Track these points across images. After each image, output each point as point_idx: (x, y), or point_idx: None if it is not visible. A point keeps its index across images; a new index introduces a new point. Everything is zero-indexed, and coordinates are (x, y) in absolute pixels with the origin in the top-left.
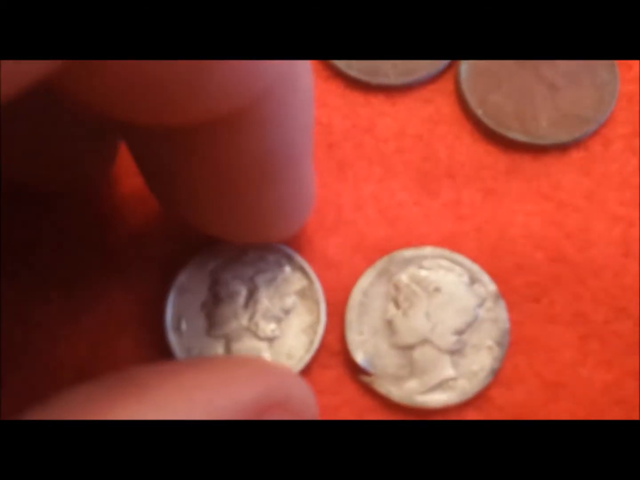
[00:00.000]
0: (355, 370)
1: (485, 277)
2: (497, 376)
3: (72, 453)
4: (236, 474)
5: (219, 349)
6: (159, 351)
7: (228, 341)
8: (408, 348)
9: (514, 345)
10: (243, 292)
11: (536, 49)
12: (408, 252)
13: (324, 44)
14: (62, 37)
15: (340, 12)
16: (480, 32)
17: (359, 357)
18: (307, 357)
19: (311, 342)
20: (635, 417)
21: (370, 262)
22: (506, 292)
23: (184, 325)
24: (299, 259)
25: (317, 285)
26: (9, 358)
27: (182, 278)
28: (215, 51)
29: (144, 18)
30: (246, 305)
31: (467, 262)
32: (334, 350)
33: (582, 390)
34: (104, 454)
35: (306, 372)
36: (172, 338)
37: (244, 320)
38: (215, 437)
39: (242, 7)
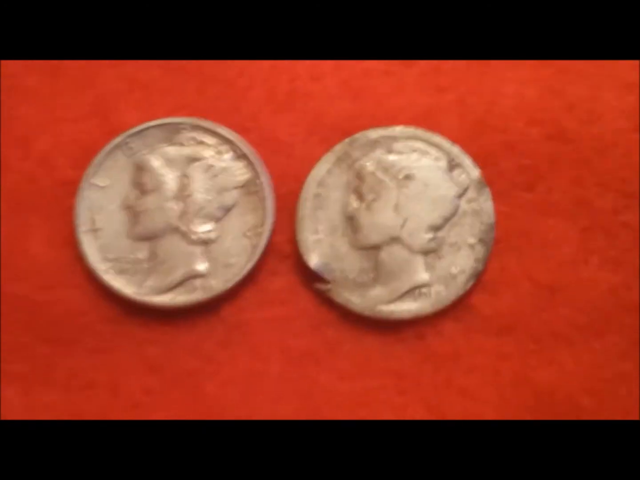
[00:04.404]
0: (309, 277)
1: (467, 161)
2: (480, 280)
3: None
4: None
5: (142, 253)
6: (74, 254)
7: (153, 244)
8: (373, 248)
9: (501, 242)
10: (172, 183)
11: None
12: (374, 133)
13: None
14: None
15: None
16: None
17: (313, 261)
18: (250, 265)
19: (254, 247)
20: None
21: (328, 146)
22: (493, 178)
23: (99, 224)
24: (243, 144)
25: (264, 179)
26: None
27: (97, 163)
28: None
29: None
30: (176, 198)
31: (445, 143)
32: (283, 254)
33: (583, 294)
34: None
35: (250, 279)
36: (85, 239)
37: (172, 218)
38: None
39: None
